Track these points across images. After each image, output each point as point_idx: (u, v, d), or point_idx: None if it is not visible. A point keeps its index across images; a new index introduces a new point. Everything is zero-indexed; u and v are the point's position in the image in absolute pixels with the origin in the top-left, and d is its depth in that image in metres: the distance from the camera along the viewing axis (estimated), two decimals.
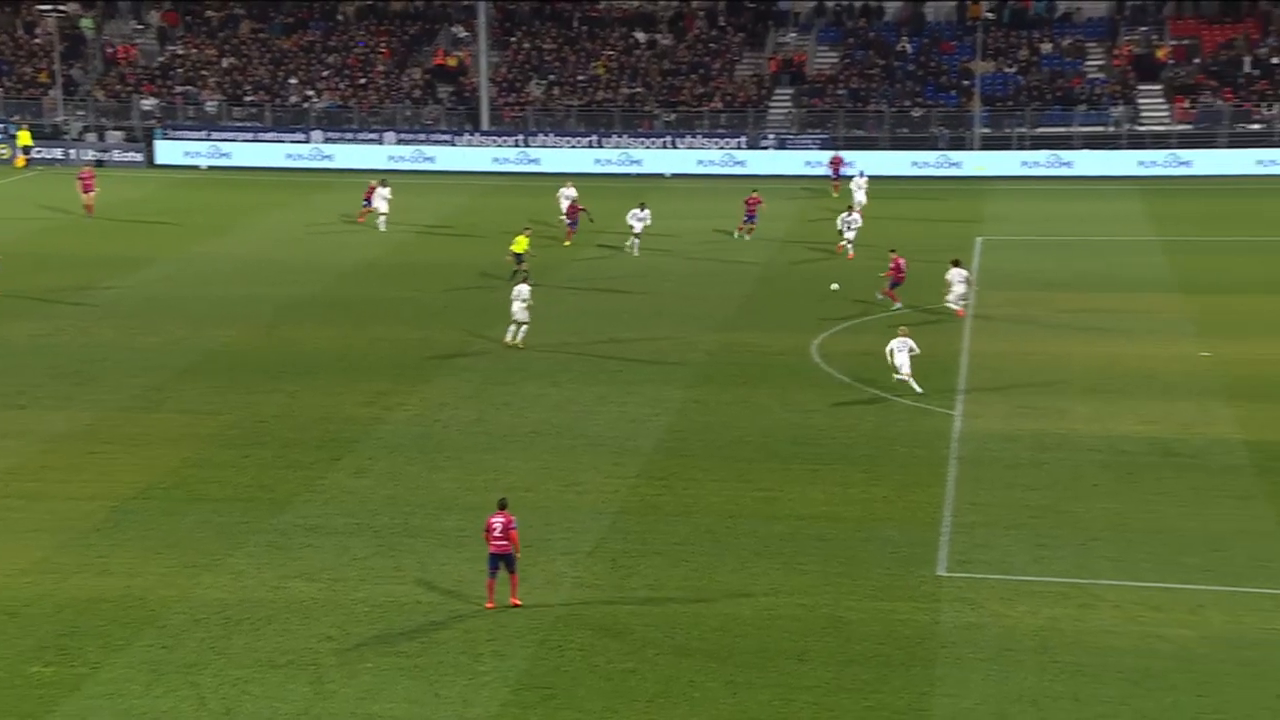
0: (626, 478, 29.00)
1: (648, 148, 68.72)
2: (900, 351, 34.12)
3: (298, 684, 21.06)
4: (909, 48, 73.14)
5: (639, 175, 66.82)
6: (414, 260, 49.93)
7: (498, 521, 23.18)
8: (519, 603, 23.31)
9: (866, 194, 54.95)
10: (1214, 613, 22.56)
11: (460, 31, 77.77)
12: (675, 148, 68.68)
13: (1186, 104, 67.86)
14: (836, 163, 61.61)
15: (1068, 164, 65.05)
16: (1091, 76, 70.57)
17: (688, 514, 27.17)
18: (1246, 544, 25.03)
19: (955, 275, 40.80)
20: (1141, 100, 69.25)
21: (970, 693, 20.63)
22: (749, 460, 29.95)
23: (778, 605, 23.40)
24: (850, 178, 57.59)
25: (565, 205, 52.41)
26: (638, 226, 49.19)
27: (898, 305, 41.76)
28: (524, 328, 37.95)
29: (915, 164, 66.24)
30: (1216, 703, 20.22)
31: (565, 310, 42.41)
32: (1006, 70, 71.34)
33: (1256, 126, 66.66)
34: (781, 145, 68.77)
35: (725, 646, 22.09)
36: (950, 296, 40.70)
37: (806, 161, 67.09)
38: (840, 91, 71.37)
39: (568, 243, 49.69)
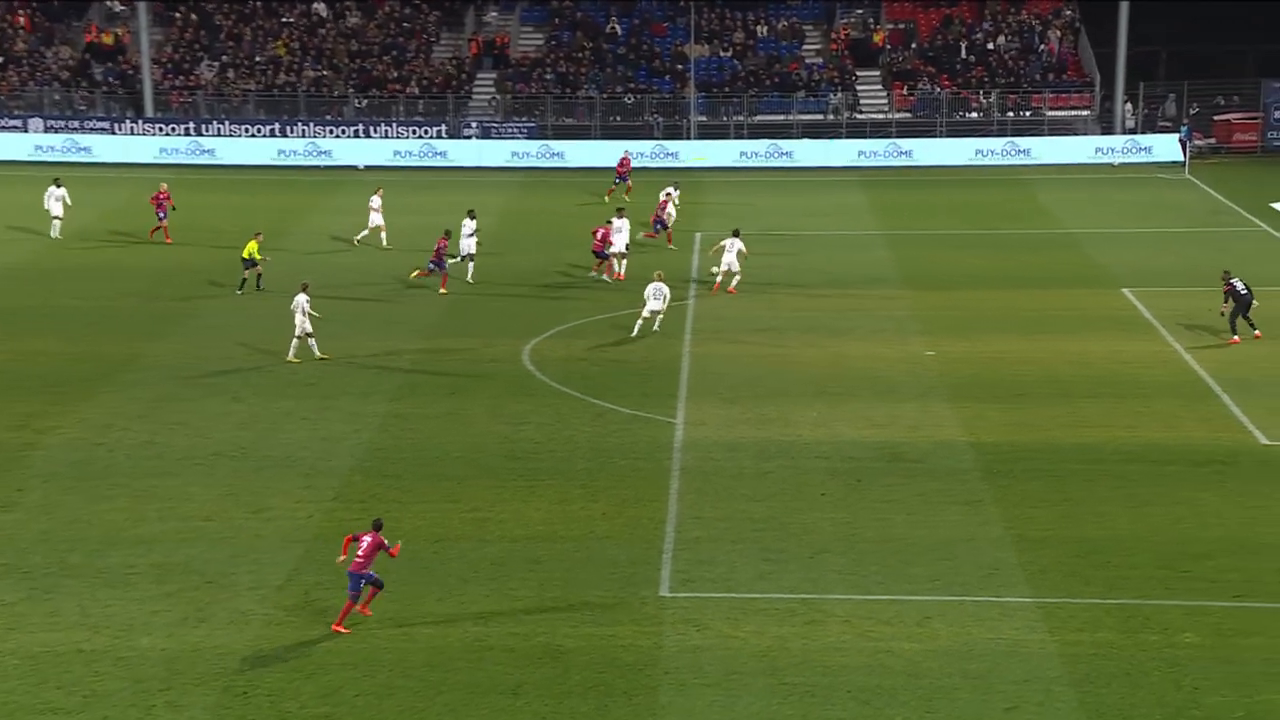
0: (321, 502, 28.48)
1: (337, 137, 67.67)
2: (655, 299, 38.85)
3: None
4: (619, 29, 74.24)
5: (328, 168, 65.74)
6: (71, 264, 47.78)
7: (366, 540, 23.67)
8: (335, 628, 23.41)
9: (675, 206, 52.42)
10: (942, 625, 23.61)
11: (116, 5, 74.82)
12: (368, 137, 67.86)
13: (905, 91, 71.08)
14: (625, 163, 59.22)
15: (787, 154, 67.23)
16: (810, 61, 73.09)
17: (390, 539, 26.84)
18: (973, 551, 26.32)
19: (729, 244, 43.58)
20: (860, 87, 72.15)
21: None
22: (458, 478, 29.81)
23: (489, 635, 23.35)
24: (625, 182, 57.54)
25: (377, 218, 48.91)
26: (470, 245, 44.24)
27: (600, 276, 44.32)
28: (311, 339, 36.95)
29: (629, 154, 67.13)
30: (945, 718, 21.19)
31: (252, 316, 41.34)
32: (722, 54, 73.20)
33: (974, 115, 70.37)
34: (486, 134, 68.77)
35: (432, 683, 21.91)
36: (724, 260, 43.46)
37: (514, 152, 67.33)
38: (547, 76, 71.91)
39: (443, 290, 43.47)
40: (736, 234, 44.01)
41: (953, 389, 35.37)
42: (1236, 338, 38.43)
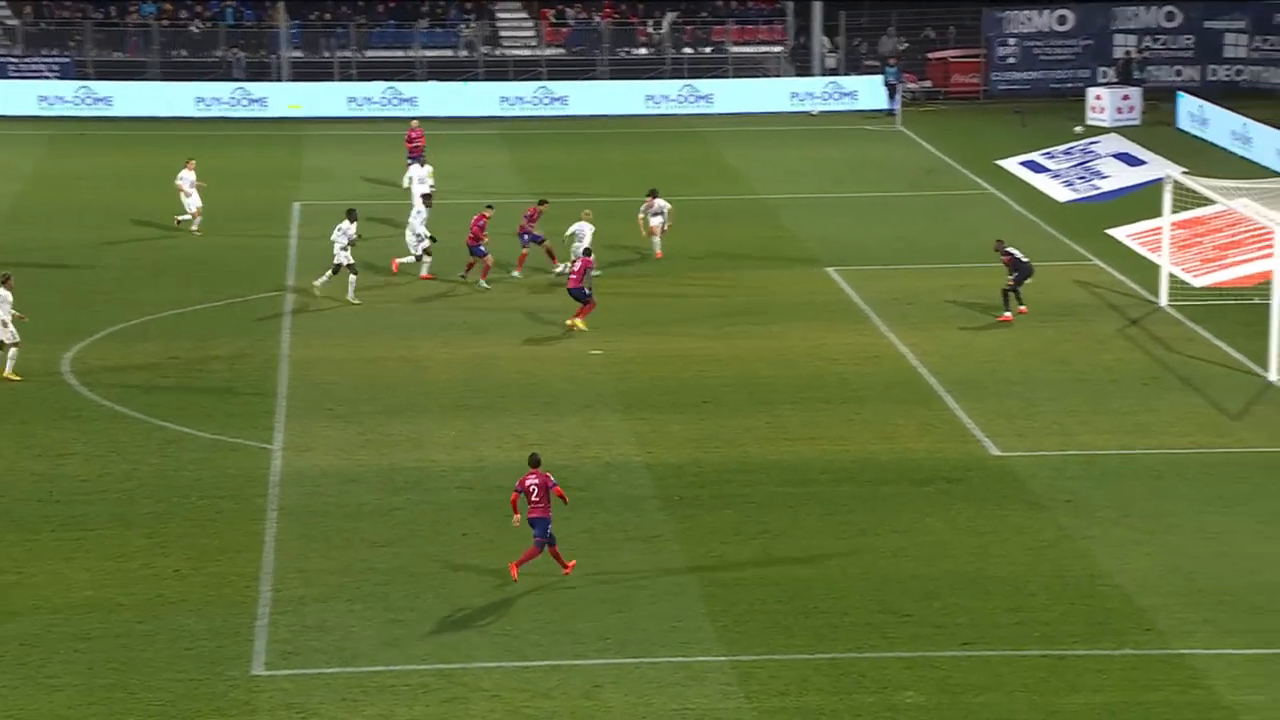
0: None
1: None
2: (583, 238, 41.52)
3: None
4: None
5: None
6: None
7: (533, 482, 26.99)
8: (516, 575, 26.88)
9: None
10: (615, 694, 23.93)
11: None
12: None
13: (552, 19, 71.76)
14: (413, 135, 53.59)
15: (409, 100, 67.14)
16: None
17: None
18: (652, 601, 26.80)
19: (655, 206, 45.50)
20: (501, 15, 72.59)
21: None
22: None
23: None
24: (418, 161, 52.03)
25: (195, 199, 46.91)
26: (343, 244, 41.67)
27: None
28: (14, 349, 35.76)
29: (201, 100, 66.08)
30: None
31: None
32: None
33: (643, 52, 71.73)
34: (1, 72, 66.44)
35: None
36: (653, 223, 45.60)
37: (41, 96, 65.21)
38: None
39: (484, 281, 42.62)
40: (655, 194, 45.82)
41: (625, 397, 35.95)
42: (1009, 315, 40.35)
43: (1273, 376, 36.77)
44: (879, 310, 41.96)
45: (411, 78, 68.59)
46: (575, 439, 33.50)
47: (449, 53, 70.72)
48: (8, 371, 36.08)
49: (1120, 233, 45.13)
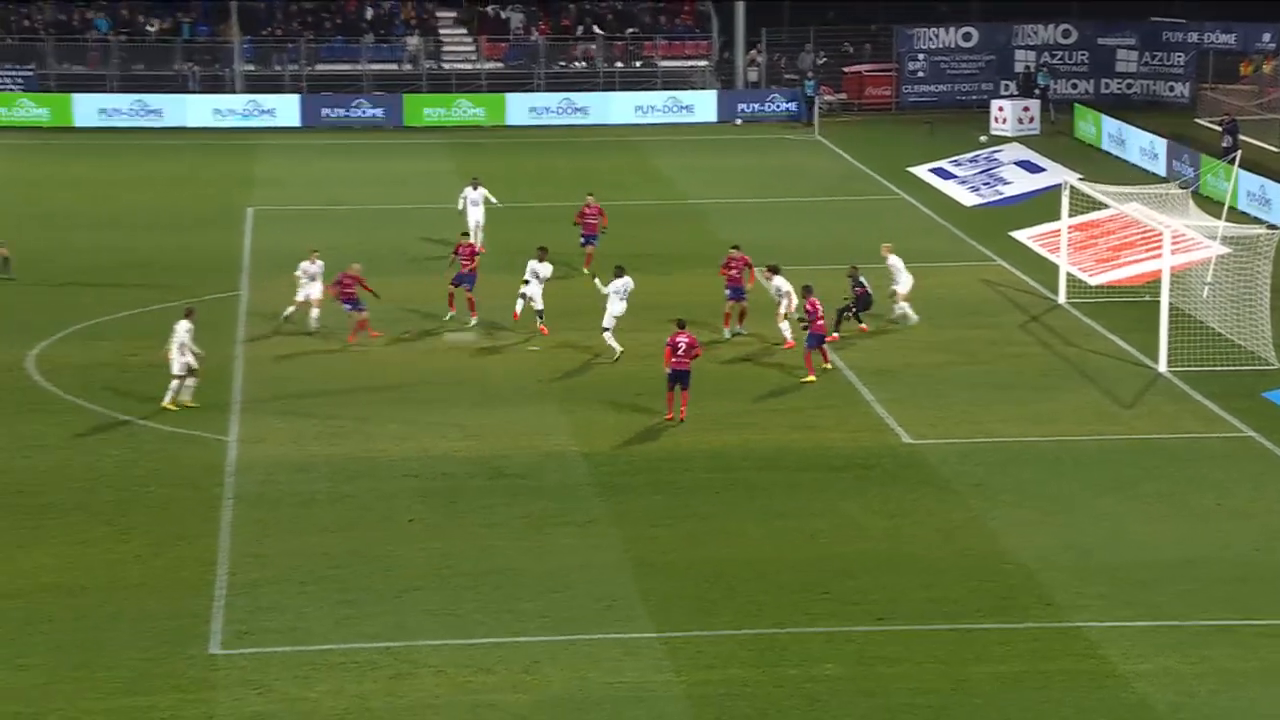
0: None
1: None
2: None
3: None
4: None
5: None
6: None
7: (682, 340, 32.76)
8: (684, 418, 33.02)
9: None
10: (553, 669, 23.96)
11: None
12: None
13: (490, 36, 71.55)
14: (590, 212, 45.82)
15: (370, 109, 67.05)
16: None
17: None
18: (588, 581, 26.85)
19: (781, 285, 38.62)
20: (443, 31, 72.40)
21: None
22: None
23: None
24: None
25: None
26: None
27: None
28: (191, 380, 34.48)
29: (154, 111, 65.69)
30: None
31: None
32: None
33: (580, 65, 71.69)
34: None
35: None
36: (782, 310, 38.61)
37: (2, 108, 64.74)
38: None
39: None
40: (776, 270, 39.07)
41: (561, 390, 35.95)
42: (837, 335, 39.47)
43: (1162, 368, 37.13)
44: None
45: (359, 90, 68.37)
46: (516, 430, 33.45)
47: (394, 66, 70.51)
48: (183, 400, 34.14)
49: (1022, 235, 45.44)
